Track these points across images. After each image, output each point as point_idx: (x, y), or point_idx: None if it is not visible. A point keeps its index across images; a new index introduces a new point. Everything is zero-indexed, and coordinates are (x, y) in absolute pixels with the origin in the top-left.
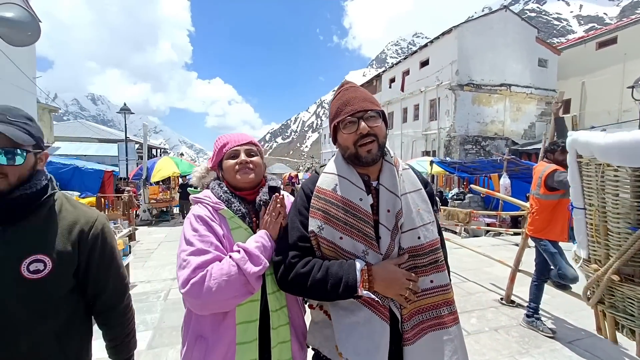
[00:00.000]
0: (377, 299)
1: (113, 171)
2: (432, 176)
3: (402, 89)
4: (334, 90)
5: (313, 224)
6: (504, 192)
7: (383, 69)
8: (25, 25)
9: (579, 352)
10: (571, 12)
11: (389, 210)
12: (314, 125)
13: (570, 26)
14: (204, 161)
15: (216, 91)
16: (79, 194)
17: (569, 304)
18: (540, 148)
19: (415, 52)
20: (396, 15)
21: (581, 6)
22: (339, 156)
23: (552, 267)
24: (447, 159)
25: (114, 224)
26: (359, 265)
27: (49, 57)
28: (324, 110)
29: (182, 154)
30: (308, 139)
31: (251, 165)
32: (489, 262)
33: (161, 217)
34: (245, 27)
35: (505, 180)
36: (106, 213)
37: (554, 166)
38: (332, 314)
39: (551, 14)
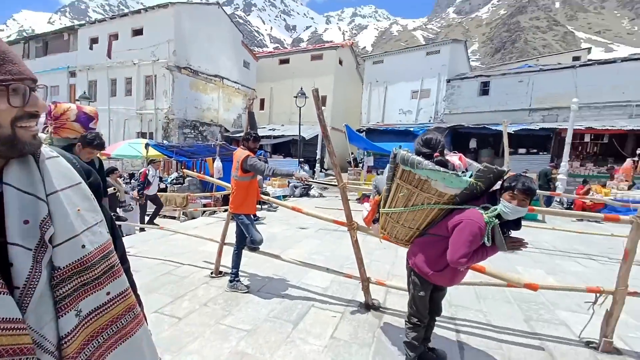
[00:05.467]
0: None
1: None
2: (150, 160)
3: (109, 56)
4: None
5: None
6: (217, 174)
7: (82, 22)
8: None
9: (265, 295)
10: (265, 29)
11: (26, 222)
12: None
13: (264, 41)
14: None
15: None
16: None
17: (259, 261)
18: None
19: (126, 14)
20: None
21: (271, 28)
22: None
23: (247, 235)
24: (165, 142)
25: None
26: None
27: None
28: None
29: None
30: None
31: None
32: (202, 241)
33: None
34: None
35: (218, 164)
36: None
37: (247, 152)
38: None
39: (253, 26)
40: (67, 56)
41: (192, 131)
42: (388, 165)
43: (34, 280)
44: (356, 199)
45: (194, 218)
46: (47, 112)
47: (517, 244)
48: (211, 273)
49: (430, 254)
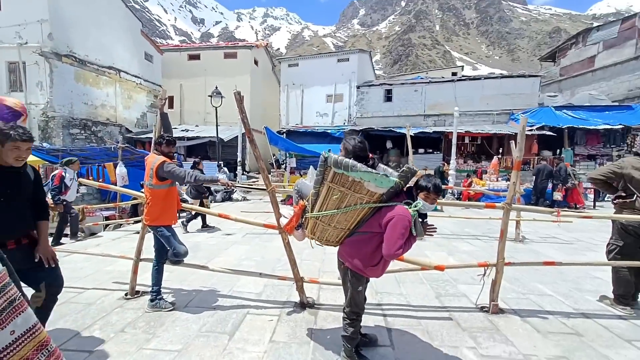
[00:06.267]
0: None
1: None
2: (68, 161)
3: None
4: None
5: None
6: (121, 182)
7: None
8: None
9: (194, 310)
10: (168, 20)
11: None
12: None
13: (169, 33)
14: None
15: None
16: None
17: (183, 274)
18: (152, 137)
19: None
20: None
21: (175, 19)
22: None
23: (168, 248)
24: (45, 144)
25: None
26: None
27: None
28: None
29: None
30: None
31: None
32: (109, 260)
33: None
34: None
35: (121, 170)
36: None
37: (162, 158)
38: None
39: (153, 14)
40: None
41: (83, 131)
42: (311, 168)
43: None
44: (281, 201)
45: (93, 234)
46: None
47: (431, 230)
48: (125, 294)
49: (365, 251)
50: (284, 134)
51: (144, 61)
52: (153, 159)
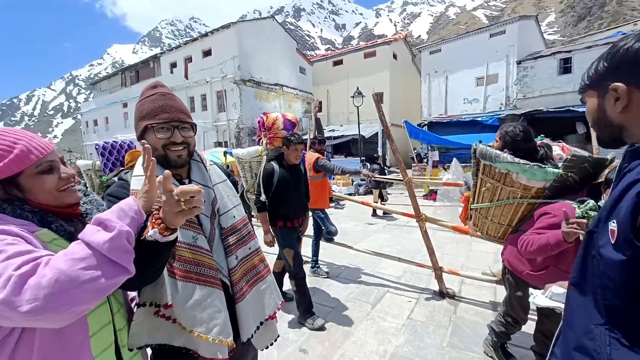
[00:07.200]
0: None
1: None
2: (227, 166)
3: (187, 77)
4: (92, 65)
5: None
6: None
7: (159, 48)
8: None
9: (343, 281)
10: (316, 32)
11: (204, 201)
12: (65, 109)
13: (316, 44)
14: None
15: None
16: None
17: (334, 252)
18: (307, 139)
19: (196, 39)
20: None
21: (322, 30)
22: None
23: (323, 227)
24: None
25: None
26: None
27: None
28: (79, 89)
29: None
30: (57, 126)
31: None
32: None
33: None
34: None
35: None
36: None
37: (317, 155)
38: (174, 302)
39: (304, 31)
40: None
41: None
42: (454, 161)
43: (212, 233)
44: (423, 195)
45: None
46: (260, 124)
47: None
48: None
49: (519, 252)
50: (425, 126)
51: (299, 74)
52: (310, 156)
